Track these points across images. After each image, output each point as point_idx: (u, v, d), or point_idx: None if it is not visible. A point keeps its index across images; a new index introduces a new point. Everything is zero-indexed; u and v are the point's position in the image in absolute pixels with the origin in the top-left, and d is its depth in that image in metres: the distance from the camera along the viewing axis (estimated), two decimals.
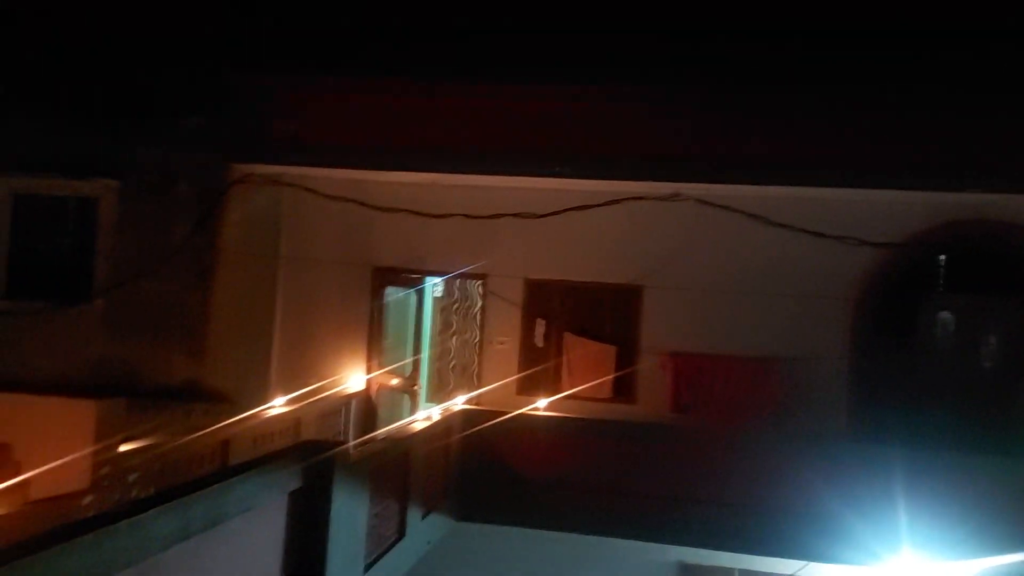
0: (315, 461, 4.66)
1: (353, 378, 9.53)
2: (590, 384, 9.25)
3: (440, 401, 9.19)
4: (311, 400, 8.26)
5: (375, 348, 9.73)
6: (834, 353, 9.11)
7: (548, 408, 8.85)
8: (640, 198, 9.52)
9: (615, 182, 9.42)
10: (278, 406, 7.74)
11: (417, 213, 9.67)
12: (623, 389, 9.43)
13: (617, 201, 9.54)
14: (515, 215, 9.56)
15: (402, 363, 9.79)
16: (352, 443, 5.23)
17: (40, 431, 5.33)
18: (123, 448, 5.41)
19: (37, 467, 5.31)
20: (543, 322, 9.58)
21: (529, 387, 9.39)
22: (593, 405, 9.14)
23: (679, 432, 8.75)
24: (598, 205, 9.55)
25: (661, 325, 9.49)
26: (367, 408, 9.37)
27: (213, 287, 10.10)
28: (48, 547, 2.82)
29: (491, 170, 9.50)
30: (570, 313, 9.67)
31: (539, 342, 9.58)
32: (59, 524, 3.19)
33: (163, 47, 10.07)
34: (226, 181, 9.96)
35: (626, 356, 9.50)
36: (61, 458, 5.22)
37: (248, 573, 4.21)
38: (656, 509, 8.03)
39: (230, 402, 9.74)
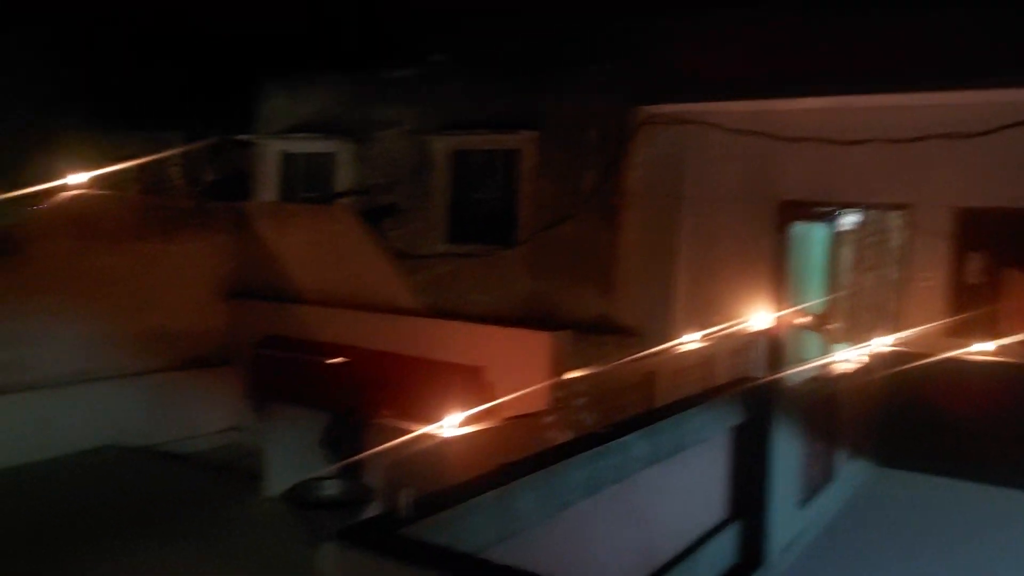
0: (755, 397, 4.78)
1: (758, 316, 9.45)
2: None
3: (854, 341, 8.70)
4: (722, 337, 8.39)
5: (781, 285, 9.52)
6: None
7: (984, 352, 7.89)
8: None
9: None
10: (691, 341, 7.99)
11: (827, 141, 9.12)
12: None
13: None
14: (943, 136, 8.53)
15: (811, 301, 9.45)
16: (781, 382, 5.22)
17: (504, 357, 6.22)
18: (570, 375, 6.09)
19: (503, 387, 6.21)
20: (978, 256, 8.51)
21: (959, 328, 8.45)
22: None
23: None
24: None
25: None
26: (775, 347, 9.24)
27: (621, 227, 10.69)
28: (556, 461, 3.32)
29: (912, 87, 8.57)
30: (1012, 246, 8.45)
31: (972, 279, 8.55)
32: (560, 443, 3.71)
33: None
34: (632, 124, 10.37)
35: None
36: (522, 380, 6.05)
37: (700, 500, 4.50)
38: None
39: (638, 336, 10.34)
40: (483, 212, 12.16)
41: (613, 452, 3.53)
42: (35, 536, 5.28)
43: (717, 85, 9.56)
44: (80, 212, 7.06)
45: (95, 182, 7.84)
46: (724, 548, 4.60)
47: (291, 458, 5.79)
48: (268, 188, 14.19)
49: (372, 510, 4.72)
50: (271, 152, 14.12)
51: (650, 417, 3.95)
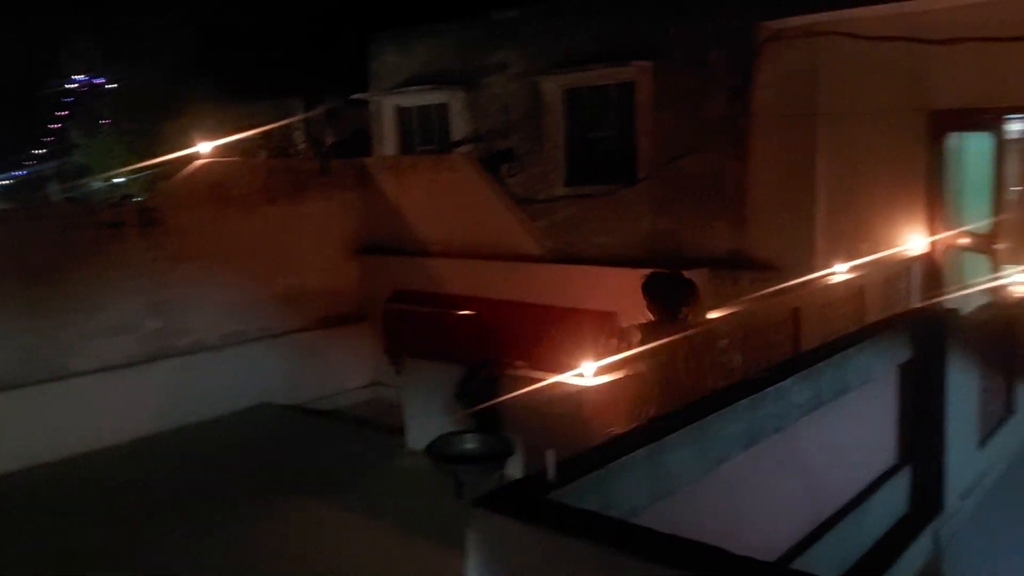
0: (924, 330, 4.31)
1: (912, 239, 8.69)
2: None
3: None
4: (872, 265, 7.76)
5: (936, 204, 8.68)
6: None
7: None
8: None
9: None
10: (838, 272, 7.42)
11: (985, 39, 8.12)
12: None
13: None
14: None
15: (973, 219, 8.57)
16: (952, 311, 4.69)
17: (637, 300, 5.93)
18: (709, 315, 5.74)
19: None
20: None
21: None
22: None
23: None
24: None
25: None
26: (933, 272, 8.49)
27: (750, 154, 10.05)
28: (711, 412, 3.04)
29: None
30: None
31: None
32: (714, 392, 3.43)
33: None
34: (757, 42, 9.64)
35: None
36: None
37: (866, 445, 4.12)
38: None
39: (775, 269, 9.74)
40: (601, 151, 11.74)
41: (771, 399, 3.22)
42: (197, 491, 5.55)
43: None
44: (213, 180, 7.25)
45: (224, 150, 8.04)
46: (896, 496, 4.21)
47: (430, 412, 5.79)
48: (386, 144, 14.30)
49: (513, 465, 4.64)
50: (386, 108, 14.17)
51: (809, 358, 3.59)
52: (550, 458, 2.50)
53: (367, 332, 7.98)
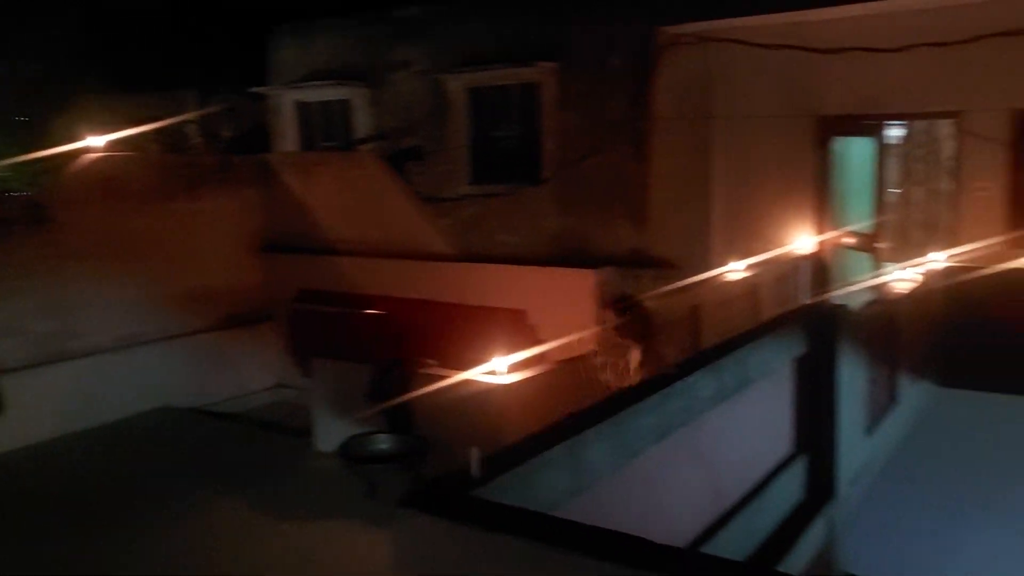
0: (817, 325, 4.56)
1: (802, 239, 9.14)
2: None
3: (903, 259, 8.38)
4: (765, 263, 8.13)
5: (823, 205, 9.15)
6: None
7: None
8: None
9: None
10: (733, 270, 7.74)
11: (868, 50, 8.62)
12: None
13: None
14: (1000, 35, 8.00)
15: (857, 219, 9.09)
16: (842, 307, 4.99)
17: (546, 298, 6.03)
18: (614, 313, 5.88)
19: (546, 329, 6.04)
20: None
21: (1021, 239, 8.07)
22: None
23: None
24: None
25: None
26: (821, 270, 8.95)
27: (650, 156, 10.31)
28: (624, 408, 3.14)
29: None
30: None
31: None
32: (626, 388, 3.53)
33: None
34: (655, 47, 9.91)
35: None
36: (565, 321, 5.86)
37: (765, 436, 4.33)
38: None
39: (675, 268, 10.05)
40: (505, 150, 11.79)
41: (680, 393, 3.34)
42: (100, 498, 5.29)
43: None
44: (106, 175, 6.92)
45: (115, 144, 7.66)
46: (792, 484, 4.44)
47: (339, 413, 5.70)
48: (286, 140, 13.90)
49: (430, 464, 4.62)
50: (286, 103, 13.78)
51: (713, 353, 3.75)
52: (474, 455, 2.52)
53: (272, 333, 7.77)
